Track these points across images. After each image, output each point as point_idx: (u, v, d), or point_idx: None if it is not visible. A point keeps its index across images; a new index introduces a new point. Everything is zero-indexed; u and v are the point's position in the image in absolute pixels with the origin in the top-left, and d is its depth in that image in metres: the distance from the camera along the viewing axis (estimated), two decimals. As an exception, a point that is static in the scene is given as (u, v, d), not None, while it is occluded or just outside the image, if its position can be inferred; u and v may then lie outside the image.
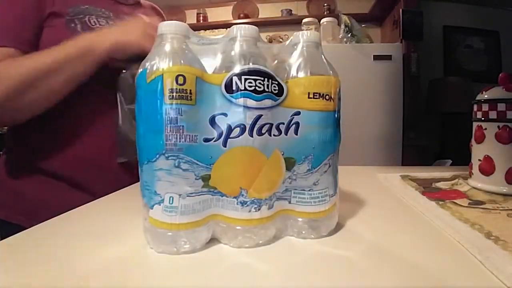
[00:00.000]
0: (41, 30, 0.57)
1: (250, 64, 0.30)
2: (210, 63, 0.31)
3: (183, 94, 0.28)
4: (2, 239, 0.34)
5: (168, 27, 0.30)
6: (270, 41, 2.30)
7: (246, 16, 2.50)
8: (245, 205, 0.30)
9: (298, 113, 0.31)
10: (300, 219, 0.33)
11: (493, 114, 0.47)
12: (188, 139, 0.28)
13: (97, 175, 0.60)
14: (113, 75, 0.56)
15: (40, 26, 0.57)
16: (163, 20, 0.59)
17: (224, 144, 0.29)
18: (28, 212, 0.56)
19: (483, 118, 0.49)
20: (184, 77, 0.28)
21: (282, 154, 0.31)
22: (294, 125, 0.31)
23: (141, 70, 0.29)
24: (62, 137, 0.59)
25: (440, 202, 0.42)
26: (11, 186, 0.59)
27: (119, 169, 0.62)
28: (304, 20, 1.98)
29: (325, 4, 2.40)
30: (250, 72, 0.29)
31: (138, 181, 0.30)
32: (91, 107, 0.60)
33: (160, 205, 0.28)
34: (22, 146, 0.60)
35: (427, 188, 0.51)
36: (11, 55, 0.53)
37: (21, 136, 0.60)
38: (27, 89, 0.50)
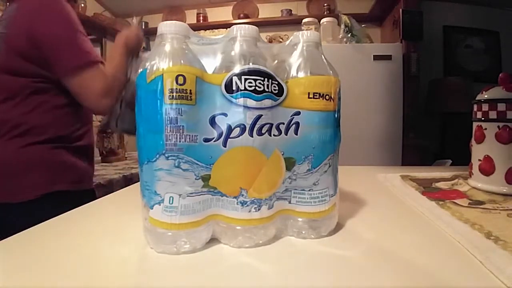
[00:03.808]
0: None
1: (250, 64, 0.29)
2: (210, 63, 0.31)
3: (183, 94, 0.27)
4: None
5: (168, 27, 0.30)
6: (270, 41, 2.29)
7: (246, 16, 2.50)
8: (245, 205, 0.30)
9: (298, 113, 0.31)
10: (300, 219, 0.33)
11: (493, 114, 0.47)
12: (188, 139, 0.28)
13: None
14: None
15: None
16: None
17: (224, 144, 0.29)
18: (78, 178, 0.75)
19: (483, 118, 0.49)
20: (184, 77, 0.28)
21: (282, 154, 0.31)
22: (294, 125, 0.31)
23: (141, 70, 0.29)
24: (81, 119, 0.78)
25: (440, 202, 0.42)
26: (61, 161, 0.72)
27: None
28: (304, 20, 1.98)
29: (325, 4, 2.40)
30: (250, 72, 0.29)
31: None
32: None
33: (160, 205, 0.28)
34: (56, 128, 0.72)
35: (427, 188, 0.51)
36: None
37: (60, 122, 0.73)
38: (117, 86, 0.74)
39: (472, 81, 1.89)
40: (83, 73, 0.69)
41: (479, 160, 0.49)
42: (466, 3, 2.12)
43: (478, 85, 0.91)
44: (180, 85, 0.27)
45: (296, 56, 0.33)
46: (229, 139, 0.29)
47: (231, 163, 0.30)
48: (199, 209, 0.29)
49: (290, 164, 0.32)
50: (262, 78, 0.30)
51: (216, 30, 2.53)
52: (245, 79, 0.29)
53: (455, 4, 2.13)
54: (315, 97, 0.31)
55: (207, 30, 2.51)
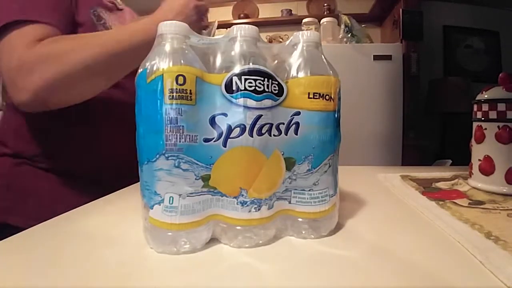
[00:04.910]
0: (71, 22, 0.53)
1: (250, 64, 0.29)
2: (210, 63, 0.31)
3: (183, 94, 0.28)
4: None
5: (168, 27, 0.30)
6: (270, 41, 2.29)
7: (246, 16, 2.50)
8: (245, 205, 0.30)
9: (298, 113, 0.31)
10: (300, 219, 0.33)
11: (493, 114, 0.47)
12: (188, 139, 0.28)
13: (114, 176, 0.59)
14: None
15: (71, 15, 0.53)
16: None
17: (224, 144, 0.29)
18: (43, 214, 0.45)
19: (483, 118, 0.49)
20: (184, 77, 0.28)
21: (282, 154, 0.31)
22: (294, 125, 0.31)
23: (141, 70, 0.29)
24: (80, 138, 0.58)
25: (440, 202, 0.42)
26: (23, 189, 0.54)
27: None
28: (304, 20, 1.98)
29: (325, 4, 2.40)
30: (250, 72, 0.29)
31: None
32: (110, 111, 0.61)
33: (160, 205, 0.28)
34: (36, 146, 0.56)
35: (427, 188, 0.51)
36: (51, 34, 0.47)
37: (38, 137, 0.56)
38: (89, 75, 0.45)
39: (472, 81, 1.89)
40: None
41: (479, 160, 0.49)
42: (466, 3, 2.12)
43: (478, 85, 0.91)
44: (180, 85, 0.27)
45: (296, 56, 0.33)
46: (229, 139, 0.29)
47: (231, 163, 0.30)
48: (199, 209, 0.29)
49: (290, 164, 0.32)
50: (262, 78, 0.30)
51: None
52: (245, 79, 0.29)
53: (455, 4, 2.13)
54: (315, 97, 0.31)
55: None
